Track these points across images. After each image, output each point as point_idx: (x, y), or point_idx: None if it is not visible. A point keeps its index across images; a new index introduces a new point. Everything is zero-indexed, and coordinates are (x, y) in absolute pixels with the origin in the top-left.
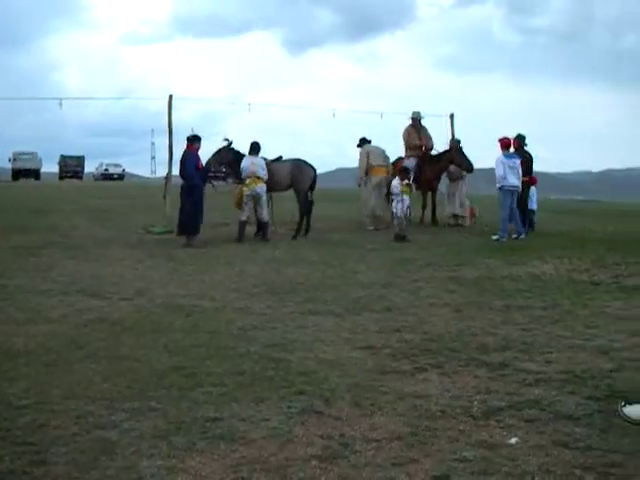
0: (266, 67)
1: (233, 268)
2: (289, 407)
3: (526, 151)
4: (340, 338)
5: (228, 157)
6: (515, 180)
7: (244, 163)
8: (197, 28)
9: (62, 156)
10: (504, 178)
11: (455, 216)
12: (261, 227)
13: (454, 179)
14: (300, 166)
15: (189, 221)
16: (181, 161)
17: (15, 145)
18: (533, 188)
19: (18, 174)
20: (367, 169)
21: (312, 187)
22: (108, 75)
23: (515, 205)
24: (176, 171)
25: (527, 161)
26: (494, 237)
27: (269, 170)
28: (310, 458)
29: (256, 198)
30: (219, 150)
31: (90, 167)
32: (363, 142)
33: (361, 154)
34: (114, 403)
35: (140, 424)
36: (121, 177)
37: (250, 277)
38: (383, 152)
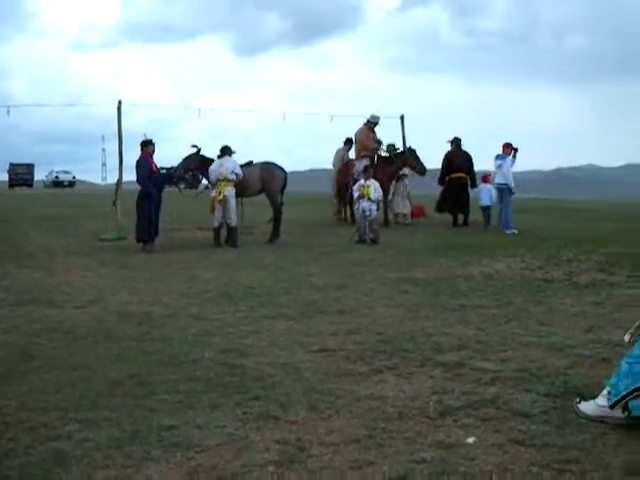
0: (216, 72)
1: (186, 274)
2: (245, 413)
3: (465, 151)
4: (294, 342)
5: (196, 163)
6: (500, 179)
7: (213, 167)
8: (145, 34)
9: (11, 164)
10: (493, 176)
11: (397, 215)
12: (230, 232)
13: (397, 179)
14: (270, 169)
15: (146, 227)
16: (136, 167)
17: None
18: (488, 185)
19: None
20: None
21: (282, 190)
22: (57, 82)
23: (502, 202)
24: (127, 177)
25: (467, 160)
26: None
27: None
28: (267, 464)
29: (223, 202)
30: (188, 156)
31: (40, 175)
32: (349, 143)
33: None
34: (68, 413)
35: (94, 434)
36: (72, 184)
37: (203, 282)
38: None
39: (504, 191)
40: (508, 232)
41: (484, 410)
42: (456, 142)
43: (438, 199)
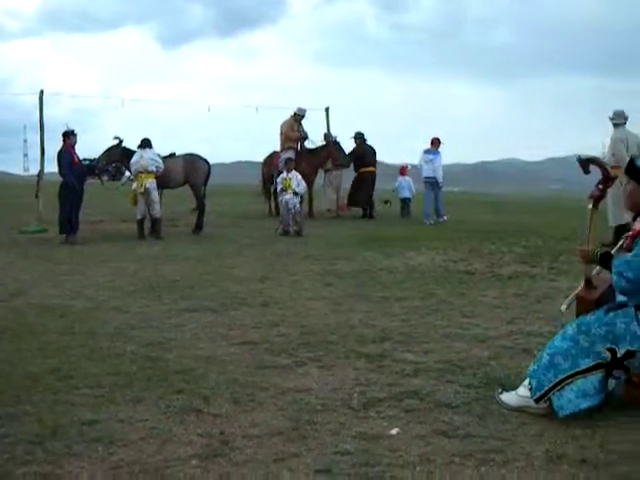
0: (140, 63)
1: (109, 266)
2: (167, 406)
3: (369, 145)
4: (218, 334)
5: (118, 154)
6: (429, 173)
7: (133, 159)
8: (68, 23)
9: None
10: (421, 169)
11: (330, 209)
12: (154, 224)
13: (326, 171)
14: (194, 161)
15: (68, 219)
16: (57, 158)
17: None
18: (407, 178)
19: None
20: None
21: (205, 182)
22: None
23: (433, 193)
24: (49, 168)
25: (373, 154)
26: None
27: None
28: (190, 457)
29: (146, 194)
30: (110, 148)
31: None
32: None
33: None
34: None
35: (14, 430)
36: None
37: (127, 275)
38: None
39: (432, 184)
40: (441, 220)
41: (407, 401)
42: (360, 137)
43: (350, 192)
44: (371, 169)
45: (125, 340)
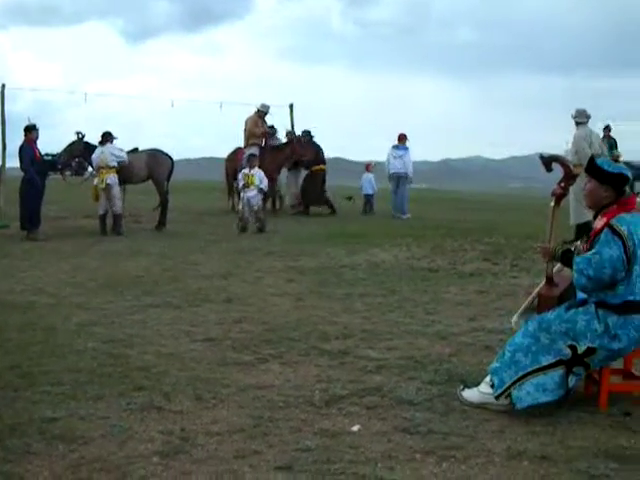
0: (104, 57)
1: (71, 262)
2: (128, 403)
3: (316, 143)
4: (180, 331)
5: (80, 150)
6: (400, 168)
7: (94, 154)
8: (31, 17)
9: None
10: (388, 164)
11: (293, 205)
12: (115, 220)
13: (289, 169)
14: (157, 156)
15: (30, 214)
16: (19, 153)
17: None
18: (370, 175)
19: None
20: None
21: (169, 177)
22: None
23: (398, 189)
24: (10, 163)
25: (321, 152)
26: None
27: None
28: (151, 455)
29: (107, 190)
30: (72, 143)
31: None
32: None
33: None
34: None
35: None
36: None
37: (89, 271)
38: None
39: (401, 179)
40: (404, 217)
41: (369, 398)
42: (307, 135)
43: (302, 192)
44: (322, 167)
45: (86, 337)
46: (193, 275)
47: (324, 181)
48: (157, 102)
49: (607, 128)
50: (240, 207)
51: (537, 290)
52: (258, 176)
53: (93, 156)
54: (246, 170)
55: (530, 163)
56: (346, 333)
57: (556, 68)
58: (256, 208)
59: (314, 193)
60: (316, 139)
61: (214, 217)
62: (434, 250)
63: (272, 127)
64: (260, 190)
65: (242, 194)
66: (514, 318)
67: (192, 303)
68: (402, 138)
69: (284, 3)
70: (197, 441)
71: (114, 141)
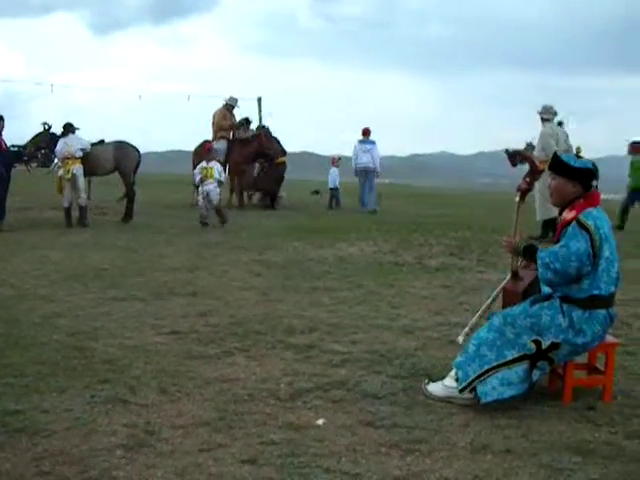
0: (71, 49)
1: (36, 254)
2: (93, 396)
3: (275, 137)
4: (145, 324)
5: (46, 141)
6: (369, 162)
7: (58, 146)
8: None
9: None
10: (356, 159)
11: (261, 200)
12: (80, 212)
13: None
14: (124, 148)
15: None
16: None
17: None
18: (335, 169)
19: None
20: None
21: (135, 170)
22: None
23: (367, 182)
24: None
25: (281, 146)
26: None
27: (91, 154)
28: (115, 448)
29: (72, 181)
30: (38, 134)
31: None
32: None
33: None
34: None
35: None
36: None
37: (53, 263)
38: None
39: (369, 173)
40: (378, 208)
41: (334, 392)
42: (264, 129)
43: (256, 177)
44: (283, 160)
45: (51, 329)
46: (159, 268)
47: (282, 175)
48: (124, 94)
49: (560, 124)
50: (200, 201)
51: (502, 285)
52: (217, 169)
53: (57, 147)
54: (204, 163)
55: (496, 159)
56: (312, 327)
57: (531, 66)
58: (215, 202)
59: (267, 180)
60: (281, 131)
61: (181, 210)
62: (400, 244)
63: (247, 119)
64: (219, 183)
65: (200, 187)
66: (460, 336)
67: (158, 296)
68: (366, 132)
69: None
70: (162, 434)
71: (76, 131)
